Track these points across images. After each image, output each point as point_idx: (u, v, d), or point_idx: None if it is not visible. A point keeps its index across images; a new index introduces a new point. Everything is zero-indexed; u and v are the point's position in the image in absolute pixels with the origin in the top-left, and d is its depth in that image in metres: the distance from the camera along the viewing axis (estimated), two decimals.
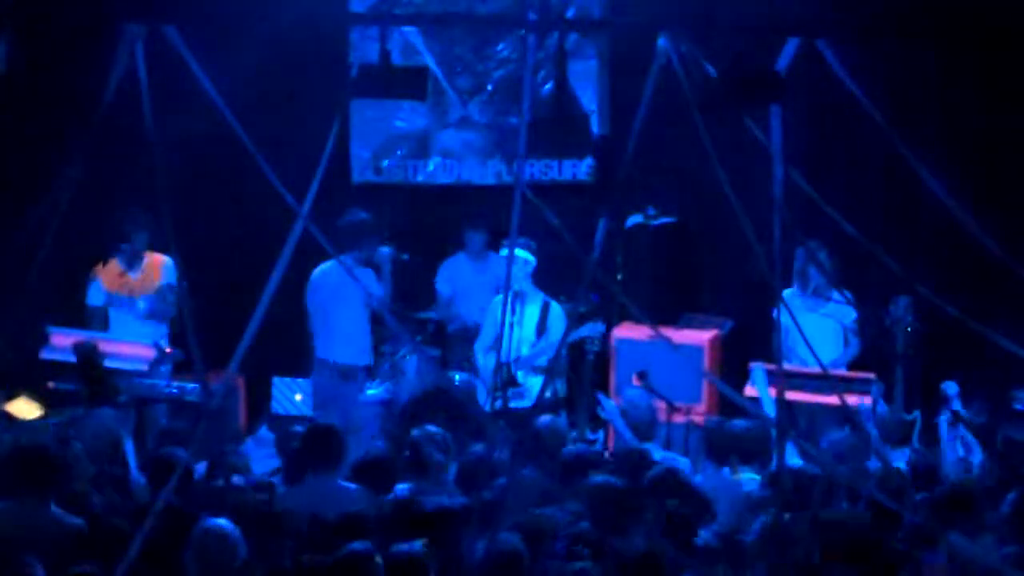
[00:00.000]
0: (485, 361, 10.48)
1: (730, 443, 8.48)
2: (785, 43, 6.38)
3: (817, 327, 10.13)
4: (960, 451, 8.89)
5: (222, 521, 6.50)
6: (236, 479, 7.52)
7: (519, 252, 10.18)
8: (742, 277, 10.91)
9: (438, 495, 7.30)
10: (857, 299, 10.20)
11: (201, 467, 7.99)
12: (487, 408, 9.90)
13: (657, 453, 8.75)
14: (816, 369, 9.15)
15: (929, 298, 7.26)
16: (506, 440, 7.85)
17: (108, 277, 10.43)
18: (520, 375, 10.41)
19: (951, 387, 9.19)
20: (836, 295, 10.28)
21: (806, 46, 6.39)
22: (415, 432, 8.18)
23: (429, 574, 6.30)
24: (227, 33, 10.95)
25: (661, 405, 9.83)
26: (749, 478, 8.26)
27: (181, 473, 6.65)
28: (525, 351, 10.42)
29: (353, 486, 7.74)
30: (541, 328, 10.48)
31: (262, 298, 6.04)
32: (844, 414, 9.14)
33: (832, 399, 9.30)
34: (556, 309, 10.47)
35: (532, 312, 10.50)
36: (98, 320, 10.43)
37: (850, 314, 10.30)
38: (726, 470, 8.41)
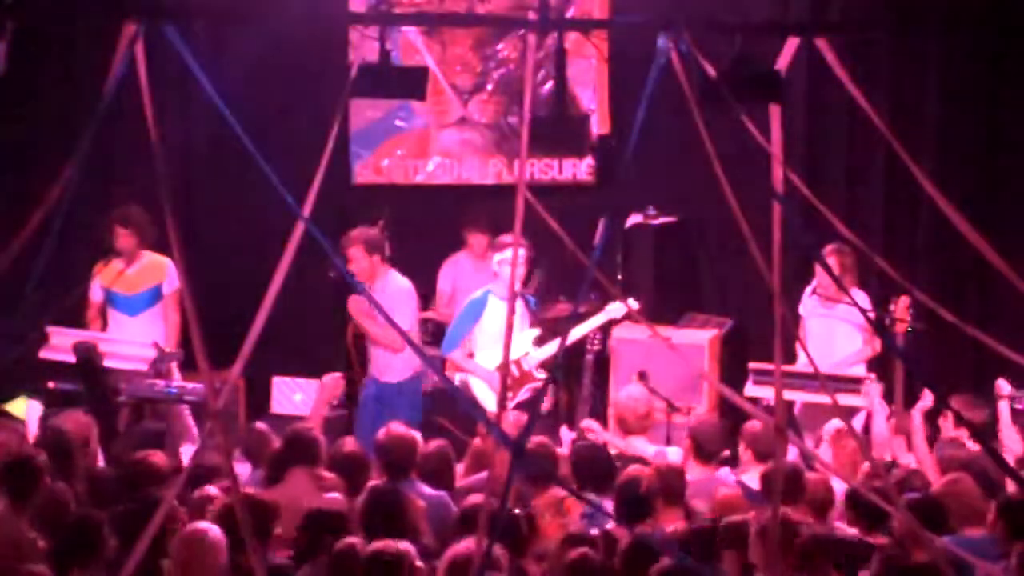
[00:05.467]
0: (484, 360, 10.46)
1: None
2: (785, 43, 6.38)
3: (829, 328, 10.13)
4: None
5: (204, 525, 6.43)
6: None
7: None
8: (742, 277, 10.92)
9: None
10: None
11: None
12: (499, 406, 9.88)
13: (648, 448, 8.81)
14: (824, 370, 9.11)
15: (924, 303, 7.26)
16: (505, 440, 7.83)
17: (106, 275, 10.34)
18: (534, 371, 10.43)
19: (1004, 387, 9.00)
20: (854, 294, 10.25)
21: (806, 46, 6.39)
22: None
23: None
24: (227, 33, 10.98)
25: (661, 405, 9.82)
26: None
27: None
28: (527, 350, 10.44)
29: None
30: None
31: (265, 299, 6.02)
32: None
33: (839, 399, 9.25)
34: None
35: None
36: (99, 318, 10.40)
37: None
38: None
